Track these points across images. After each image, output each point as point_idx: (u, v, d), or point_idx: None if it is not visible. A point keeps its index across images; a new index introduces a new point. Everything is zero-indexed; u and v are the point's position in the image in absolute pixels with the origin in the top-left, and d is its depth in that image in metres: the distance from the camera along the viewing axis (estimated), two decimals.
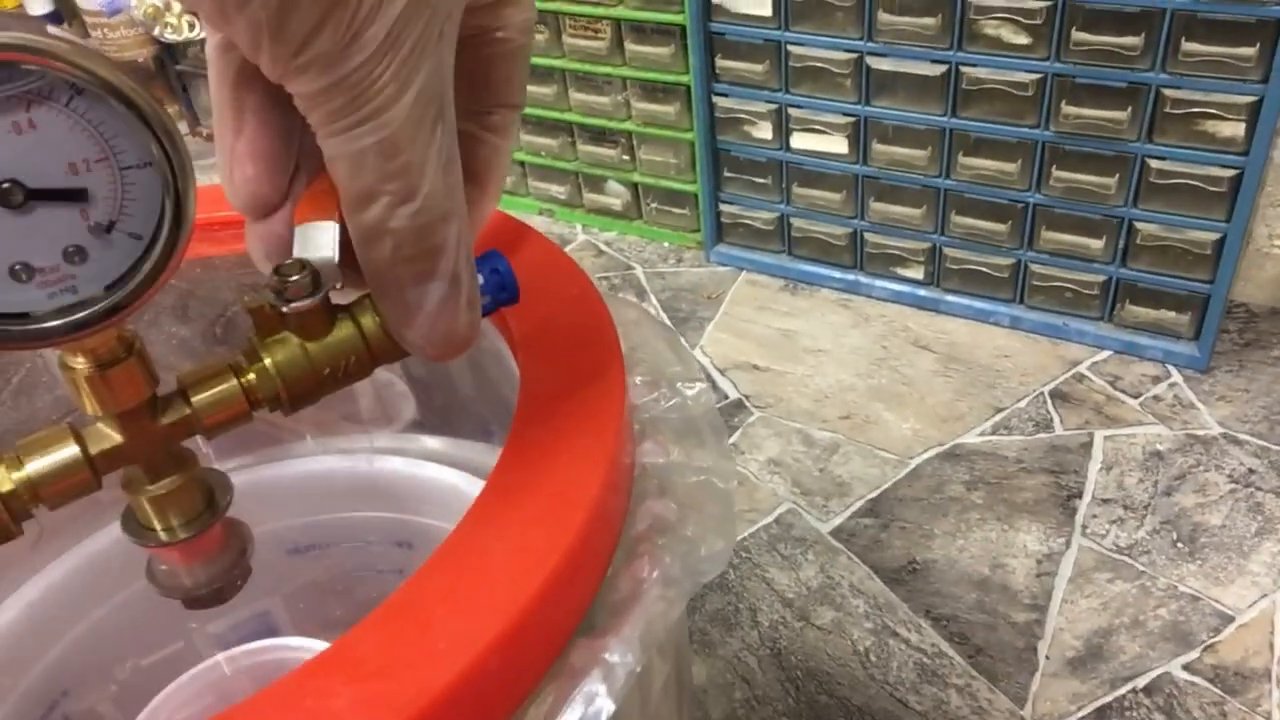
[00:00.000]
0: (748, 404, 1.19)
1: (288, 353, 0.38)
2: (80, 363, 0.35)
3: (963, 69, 1.12)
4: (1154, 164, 1.08)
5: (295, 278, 0.38)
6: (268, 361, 0.38)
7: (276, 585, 0.71)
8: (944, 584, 0.98)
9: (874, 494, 1.07)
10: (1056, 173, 1.13)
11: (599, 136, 1.45)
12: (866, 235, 1.30)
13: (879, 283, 1.32)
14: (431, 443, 0.67)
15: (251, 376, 0.38)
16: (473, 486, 0.65)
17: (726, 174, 1.36)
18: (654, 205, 1.47)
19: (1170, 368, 1.18)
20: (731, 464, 0.52)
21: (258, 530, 0.72)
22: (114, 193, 0.31)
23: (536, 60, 1.41)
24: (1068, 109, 1.09)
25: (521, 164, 1.55)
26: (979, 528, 1.03)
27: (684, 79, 1.32)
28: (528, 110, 1.47)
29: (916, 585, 0.98)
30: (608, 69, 1.37)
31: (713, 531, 0.46)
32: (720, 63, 1.27)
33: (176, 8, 1.67)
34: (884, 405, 1.18)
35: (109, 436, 0.36)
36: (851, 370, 1.23)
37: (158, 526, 0.40)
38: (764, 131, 1.29)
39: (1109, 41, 1.03)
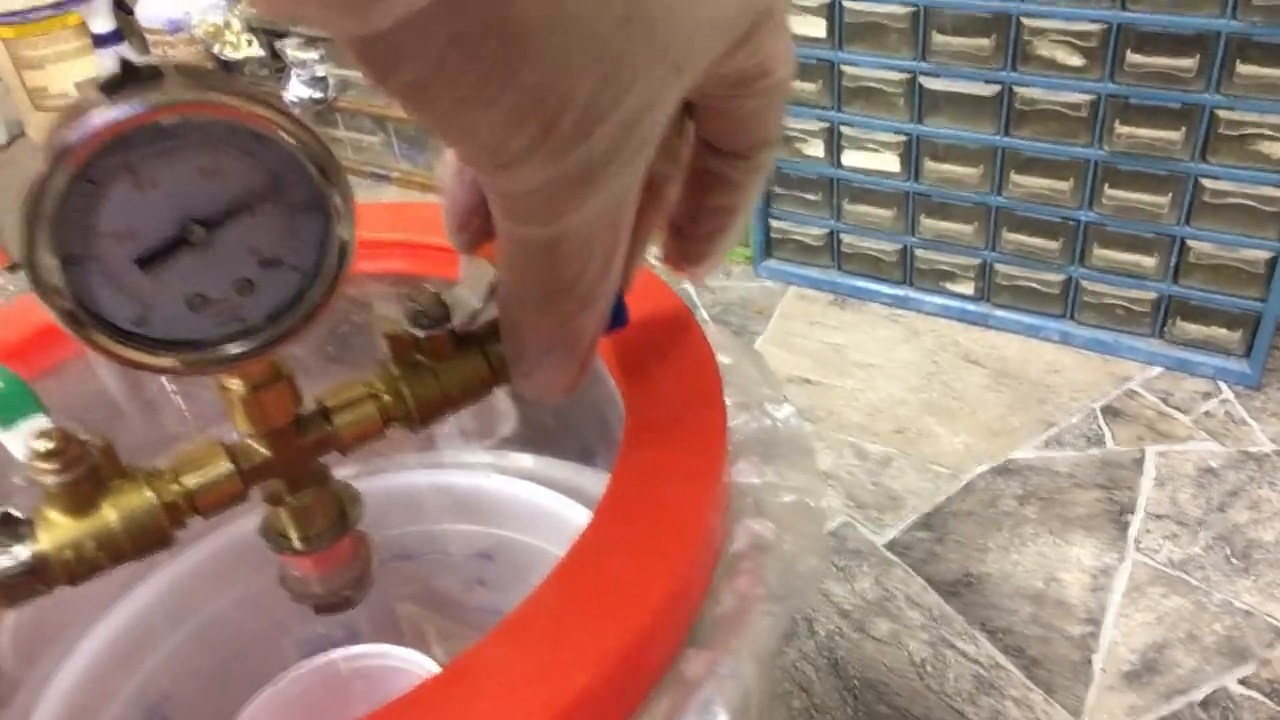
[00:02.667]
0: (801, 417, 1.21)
1: (420, 376, 0.41)
2: (236, 385, 0.38)
3: (1016, 89, 1.14)
4: (1207, 183, 1.09)
5: (430, 307, 0.41)
6: (402, 384, 0.41)
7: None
8: (999, 597, 1.00)
9: (928, 507, 1.09)
10: (1109, 191, 1.15)
11: None
12: (916, 251, 1.32)
13: (928, 297, 1.34)
14: (521, 459, 0.70)
15: (387, 397, 0.41)
16: (559, 504, 0.67)
17: (777, 190, 1.38)
18: None
19: (1221, 384, 1.19)
20: (822, 483, 0.54)
21: None
22: (282, 229, 0.34)
23: None
24: (1121, 129, 1.10)
25: None
26: (1033, 542, 1.04)
27: None
28: None
29: (972, 598, 1.00)
30: None
31: (807, 549, 0.49)
32: None
33: (236, 26, 1.71)
34: (936, 419, 1.20)
35: (258, 452, 0.39)
36: (903, 384, 1.25)
37: (294, 536, 0.43)
38: (815, 149, 1.31)
39: (1163, 63, 1.05)
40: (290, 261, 0.35)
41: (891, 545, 1.05)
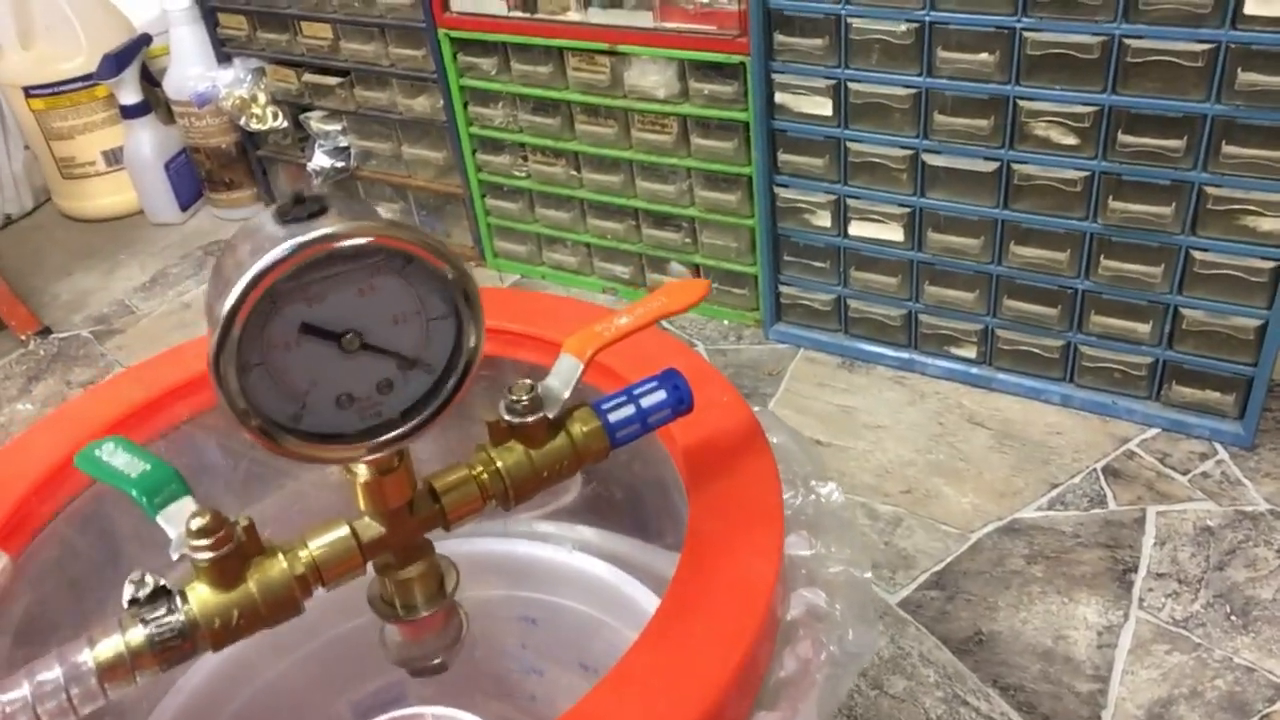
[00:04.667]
0: None
1: (515, 459, 0.47)
2: (363, 471, 0.43)
3: (1014, 166, 1.20)
4: (1197, 255, 1.15)
5: (525, 398, 0.46)
6: (500, 466, 0.46)
7: None
8: (1009, 654, 1.04)
9: (938, 567, 1.13)
10: (1105, 262, 1.20)
11: (662, 221, 1.54)
12: (921, 316, 1.38)
13: (933, 360, 1.39)
14: (573, 529, 0.74)
15: (486, 479, 0.47)
16: (604, 571, 0.72)
17: (786, 258, 1.44)
18: (715, 285, 1.55)
19: (1217, 445, 1.24)
20: (867, 556, 0.58)
21: None
22: (420, 336, 0.39)
23: (605, 150, 1.51)
24: (1114, 204, 1.16)
25: (587, 246, 1.64)
26: (1040, 600, 1.08)
27: (746, 170, 1.40)
28: (595, 196, 1.56)
29: (983, 655, 1.04)
30: (673, 160, 1.46)
31: (856, 617, 0.53)
32: (782, 156, 1.35)
33: (262, 99, 1.78)
34: (943, 480, 1.24)
35: (375, 529, 0.44)
36: (910, 446, 1.30)
37: (399, 605, 0.47)
38: (823, 220, 1.37)
39: (1153, 143, 1.11)
40: (426, 362, 0.40)
41: (904, 604, 1.09)
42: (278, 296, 0.35)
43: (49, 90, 1.93)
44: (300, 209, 0.35)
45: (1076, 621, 1.06)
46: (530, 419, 0.46)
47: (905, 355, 1.41)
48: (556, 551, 0.76)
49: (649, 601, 0.69)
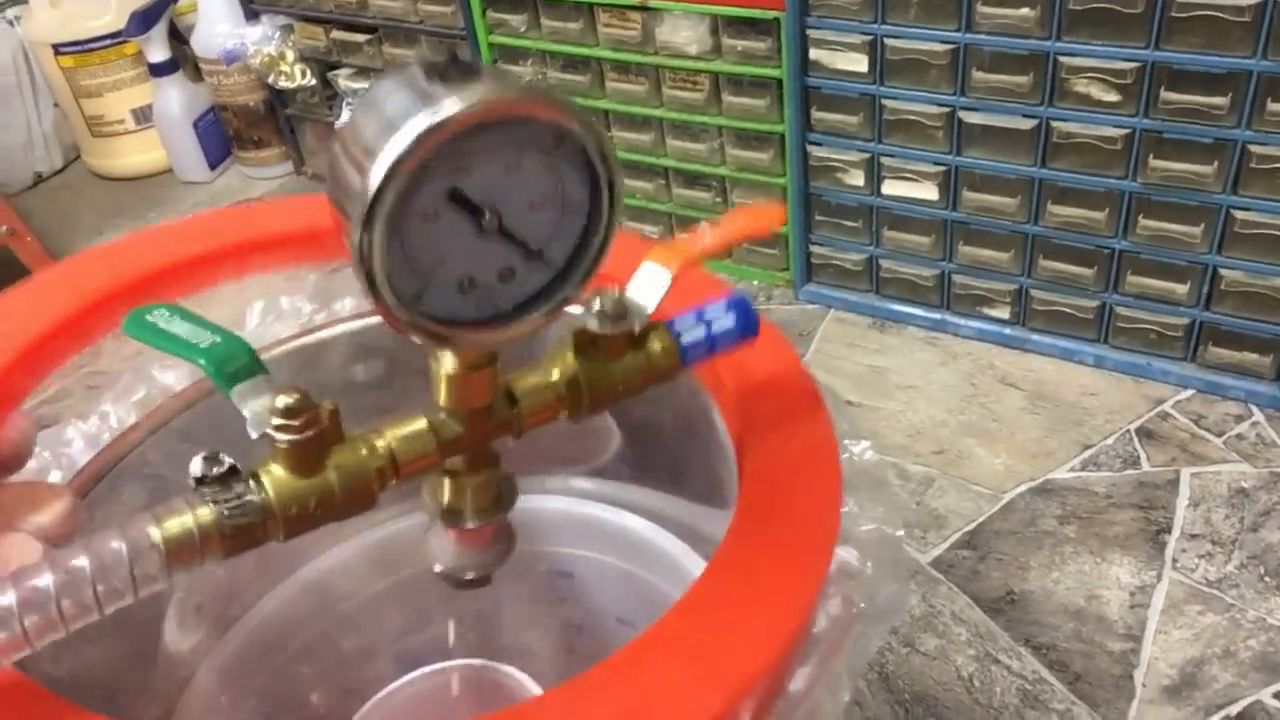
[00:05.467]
0: None
1: (596, 370, 0.44)
2: (451, 364, 0.40)
3: (1053, 123, 1.19)
4: (1239, 214, 1.13)
5: (613, 307, 0.44)
6: (580, 375, 0.44)
7: (451, 610, 0.79)
8: (1042, 614, 1.04)
9: (970, 526, 1.13)
10: (1143, 221, 1.19)
11: (693, 180, 1.53)
12: (954, 276, 1.37)
13: (965, 321, 1.39)
14: (592, 484, 0.75)
15: (564, 387, 0.44)
16: (642, 526, 0.72)
17: (817, 217, 1.43)
18: (744, 245, 1.54)
19: (1253, 407, 1.23)
20: (899, 515, 0.59)
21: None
22: (552, 229, 0.36)
23: (635, 109, 1.49)
24: (1155, 162, 1.14)
25: None
26: (1073, 560, 1.08)
27: (779, 128, 1.39)
28: (624, 154, 1.55)
29: (1015, 615, 1.04)
30: (704, 118, 1.45)
31: (888, 575, 0.53)
32: (815, 114, 1.34)
33: (290, 56, 1.77)
34: (975, 441, 1.24)
35: (453, 426, 0.42)
36: (942, 406, 1.29)
37: (467, 510, 0.45)
38: (856, 178, 1.36)
39: (1196, 100, 1.09)
40: (551, 256, 0.38)
41: (936, 563, 1.09)
42: (431, 159, 0.32)
43: (78, 48, 1.93)
44: (457, 69, 0.33)
45: (1109, 582, 1.06)
46: (616, 330, 0.44)
47: (937, 315, 1.40)
48: (590, 506, 0.76)
49: (684, 555, 0.70)
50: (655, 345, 0.45)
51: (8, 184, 1.99)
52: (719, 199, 1.52)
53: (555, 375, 0.44)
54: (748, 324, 0.48)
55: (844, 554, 0.53)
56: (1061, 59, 1.15)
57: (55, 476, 0.56)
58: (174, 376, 0.63)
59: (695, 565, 0.68)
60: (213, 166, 2.01)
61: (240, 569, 0.68)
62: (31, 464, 0.57)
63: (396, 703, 0.70)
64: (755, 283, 1.56)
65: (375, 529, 0.73)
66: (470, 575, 0.49)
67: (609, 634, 0.79)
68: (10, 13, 2.04)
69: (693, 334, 0.47)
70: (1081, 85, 1.15)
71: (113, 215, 1.96)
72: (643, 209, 1.60)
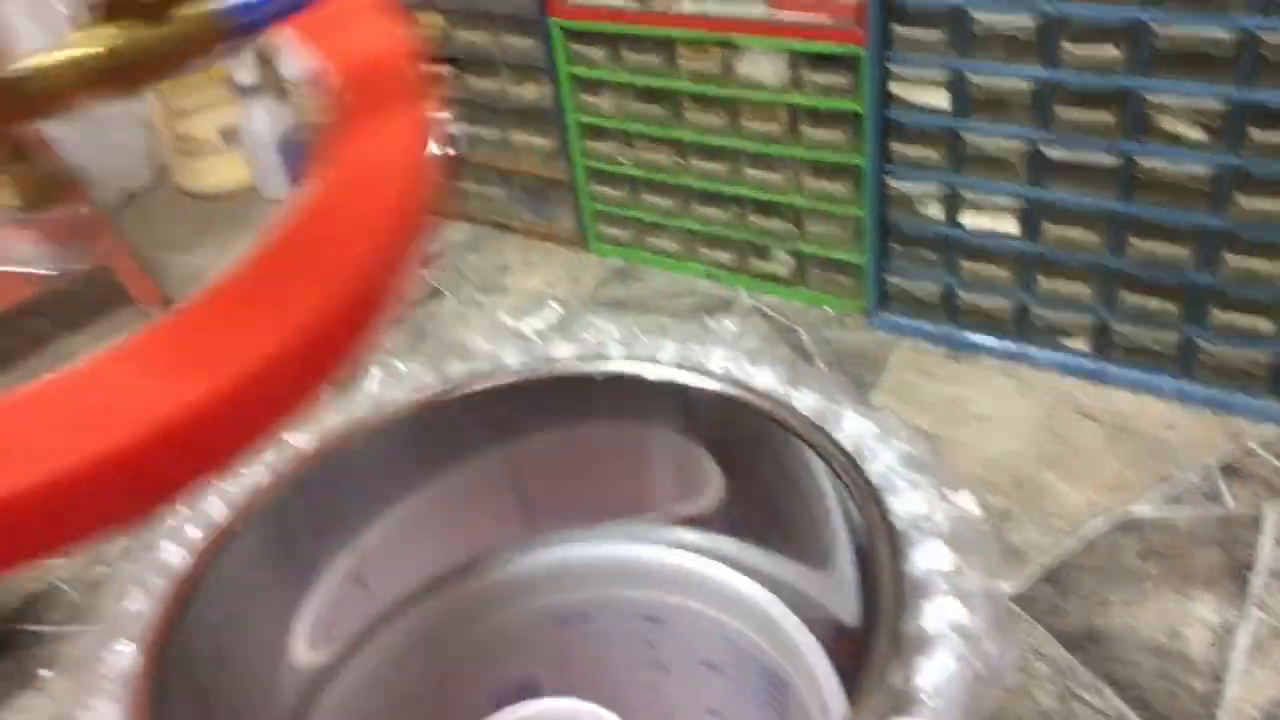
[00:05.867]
0: None
1: (132, 37, 0.39)
2: None
3: (1137, 160, 1.19)
4: None
5: None
6: (114, 44, 0.38)
7: (543, 650, 0.82)
8: (1123, 651, 1.04)
9: (1050, 561, 1.14)
10: (1230, 257, 1.19)
11: (767, 209, 1.55)
12: (1032, 308, 1.37)
13: (1043, 352, 1.39)
14: (683, 533, 0.77)
15: (92, 60, 0.38)
16: (736, 579, 0.74)
17: (893, 247, 1.44)
18: (818, 273, 1.56)
19: None
20: (1004, 569, 0.60)
21: (531, 605, 0.84)
22: None
23: (712, 140, 1.52)
24: (1243, 200, 1.14)
25: (690, 232, 1.66)
26: (1155, 597, 1.09)
27: (856, 160, 1.41)
28: (698, 183, 1.58)
29: (1096, 651, 1.05)
30: (782, 150, 1.47)
31: (997, 632, 0.55)
32: (894, 147, 1.36)
33: None
34: (1054, 473, 1.24)
35: None
36: (1020, 438, 1.30)
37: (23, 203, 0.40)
38: (934, 210, 1.37)
39: None
40: None
41: (1017, 599, 1.10)
42: None
43: None
44: None
45: (1192, 620, 1.06)
46: None
47: (1013, 346, 1.41)
48: (679, 555, 0.79)
49: (769, 602, 0.72)
50: (215, 8, 0.41)
51: (103, 203, 2.07)
52: (793, 228, 1.54)
53: (80, 47, 0.39)
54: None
55: (951, 609, 0.55)
56: (1148, 97, 1.15)
57: (194, 533, 0.59)
58: (298, 436, 0.67)
59: (784, 616, 0.70)
60: (296, 185, 2.07)
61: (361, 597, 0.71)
62: (169, 520, 0.61)
63: None
64: (828, 310, 1.58)
65: (479, 572, 0.77)
66: (54, 270, 0.45)
67: (694, 676, 0.81)
68: None
69: None
70: (1168, 123, 1.16)
71: (199, 232, 2.03)
72: (717, 236, 1.63)
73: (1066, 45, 1.17)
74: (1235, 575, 1.10)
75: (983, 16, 1.21)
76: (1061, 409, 1.34)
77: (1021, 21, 1.18)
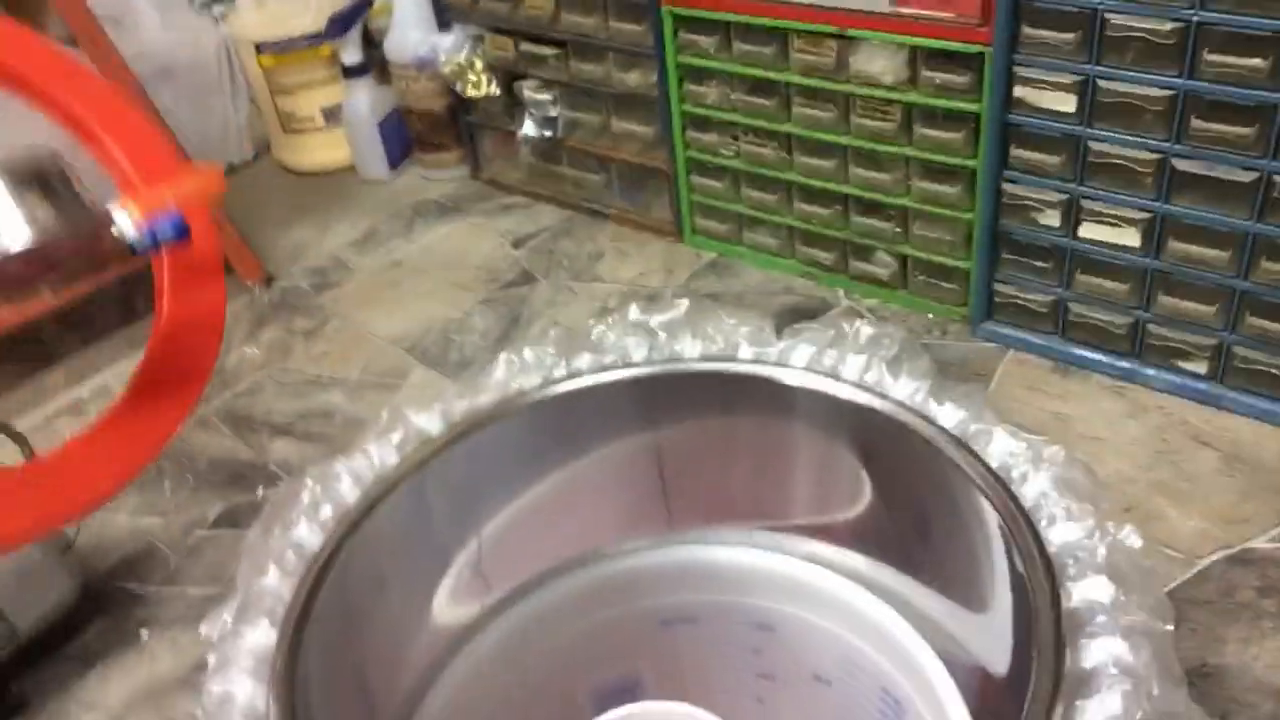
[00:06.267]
0: None
1: None
2: None
3: (1275, 178, 1.13)
4: None
5: None
6: None
7: (647, 650, 0.81)
8: (1238, 690, 1.00)
9: (1162, 592, 1.09)
10: None
11: (873, 209, 1.51)
12: (1149, 326, 1.32)
13: (1157, 373, 1.34)
14: (808, 543, 0.75)
15: None
16: (838, 584, 0.72)
17: (1005, 255, 1.40)
18: (921, 277, 1.52)
19: None
20: (1170, 608, 0.57)
21: (639, 603, 0.83)
22: None
23: (822, 135, 1.49)
24: None
25: (790, 228, 1.63)
26: (1273, 636, 1.04)
27: (971, 163, 1.37)
28: (802, 179, 1.55)
29: (1209, 689, 1.00)
30: (893, 148, 1.43)
31: (1162, 672, 0.52)
32: (1014, 151, 1.31)
33: (478, 65, 1.83)
34: (1166, 500, 1.20)
35: None
36: (1130, 461, 1.25)
37: None
38: (1051, 219, 1.33)
39: None
40: None
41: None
42: None
43: (278, 47, 2.03)
44: None
45: None
46: None
47: (1126, 365, 1.36)
48: (794, 564, 0.77)
49: (891, 620, 0.69)
50: None
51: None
52: (899, 229, 1.50)
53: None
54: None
55: (1115, 646, 0.52)
56: None
57: (327, 510, 0.59)
58: (426, 420, 0.66)
59: (909, 637, 0.68)
60: (393, 166, 2.09)
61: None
62: (304, 497, 0.61)
63: None
64: (930, 316, 1.54)
65: (589, 567, 0.76)
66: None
67: (802, 688, 0.79)
68: (216, 10, 2.16)
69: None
70: None
71: (299, 209, 2.05)
72: (817, 234, 1.59)
73: (1208, 54, 1.12)
74: None
75: (1118, 19, 1.16)
76: (1175, 434, 1.29)
77: (1160, 26, 1.13)
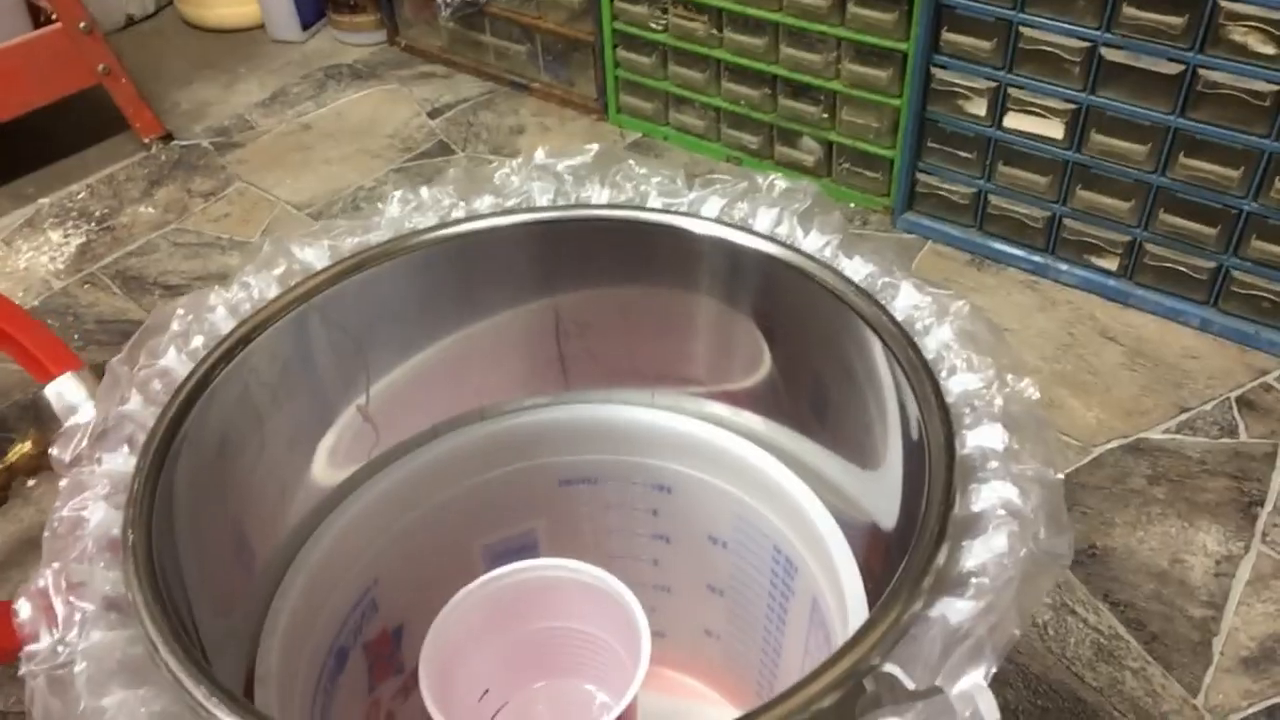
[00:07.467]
0: None
1: None
2: None
3: (1200, 71, 1.13)
4: None
5: None
6: None
7: (544, 510, 0.79)
8: (1123, 571, 1.03)
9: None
10: (1279, 184, 1.14)
11: (801, 91, 1.48)
12: (1065, 220, 1.32)
13: (1069, 268, 1.35)
14: (709, 405, 0.73)
15: None
16: (740, 447, 0.70)
17: (929, 144, 1.38)
18: (846, 165, 1.50)
19: None
20: (1061, 457, 0.57)
21: (536, 461, 0.81)
22: None
23: (751, 10, 1.44)
24: None
25: (717, 110, 1.58)
26: (1159, 522, 1.07)
27: (903, 46, 1.34)
28: (733, 57, 1.50)
29: (1095, 569, 1.03)
30: (825, 28, 1.39)
31: (1049, 518, 0.52)
32: (945, 35, 1.28)
33: None
34: (1069, 391, 1.22)
35: None
36: (1037, 353, 1.27)
37: None
38: (977, 107, 1.31)
39: None
40: None
41: None
42: None
43: None
44: None
45: (1195, 548, 1.05)
46: None
47: (1040, 259, 1.37)
48: (694, 424, 0.75)
49: (787, 480, 0.68)
50: None
51: (99, 23, 1.97)
52: (826, 114, 1.47)
53: None
54: None
55: (1004, 490, 0.52)
56: (1222, 4, 1.08)
57: (198, 341, 0.55)
58: (312, 254, 0.62)
59: (805, 497, 0.67)
60: (305, 27, 1.98)
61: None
62: (175, 325, 0.57)
63: (489, 592, 0.70)
64: (852, 205, 1.52)
65: (486, 423, 0.73)
66: None
67: (696, 550, 0.78)
68: None
69: None
70: (1239, 34, 1.09)
71: (202, 66, 1.94)
72: (744, 116, 1.56)
73: None
74: (1243, 508, 1.08)
75: None
76: (1083, 328, 1.30)
77: None
